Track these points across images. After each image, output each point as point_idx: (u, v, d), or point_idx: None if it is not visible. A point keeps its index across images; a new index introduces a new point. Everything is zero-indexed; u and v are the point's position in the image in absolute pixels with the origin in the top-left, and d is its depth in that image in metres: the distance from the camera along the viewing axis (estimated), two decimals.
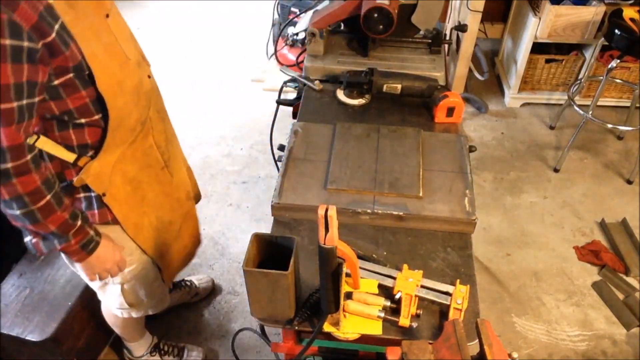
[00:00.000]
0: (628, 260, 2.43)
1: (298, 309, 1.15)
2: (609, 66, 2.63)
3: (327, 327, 1.12)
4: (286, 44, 3.24)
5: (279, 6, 3.34)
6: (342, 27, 2.07)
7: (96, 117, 1.18)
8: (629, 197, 2.79)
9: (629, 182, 2.87)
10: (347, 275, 1.16)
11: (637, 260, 2.43)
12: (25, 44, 0.96)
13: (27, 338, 1.76)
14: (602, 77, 2.74)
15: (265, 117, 3.15)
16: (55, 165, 1.23)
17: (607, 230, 2.59)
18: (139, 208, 1.41)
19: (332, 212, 0.92)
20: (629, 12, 2.59)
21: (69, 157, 1.21)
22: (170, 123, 1.56)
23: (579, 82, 3.08)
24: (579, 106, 2.89)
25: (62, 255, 1.36)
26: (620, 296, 2.33)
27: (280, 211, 1.40)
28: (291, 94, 2.01)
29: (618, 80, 3.10)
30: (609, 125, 2.97)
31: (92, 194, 1.29)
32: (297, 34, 3.08)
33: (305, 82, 1.87)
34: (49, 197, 1.12)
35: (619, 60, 2.60)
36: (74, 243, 1.22)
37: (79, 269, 1.36)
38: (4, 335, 1.79)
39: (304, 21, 3.11)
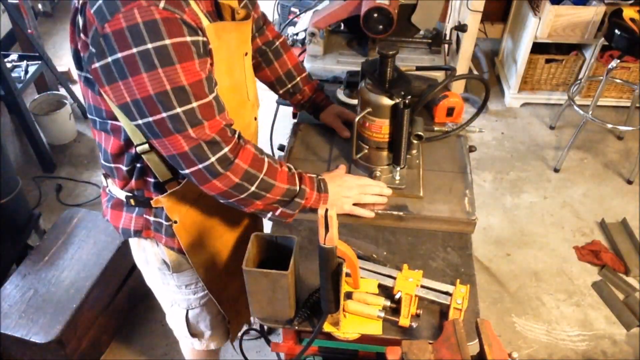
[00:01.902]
0: (628, 260, 2.43)
1: (298, 309, 1.15)
2: (609, 66, 2.63)
3: (327, 327, 1.12)
4: None
5: (279, 6, 3.33)
6: (342, 27, 2.07)
7: None
8: (629, 197, 2.79)
9: (629, 182, 2.87)
10: (347, 275, 1.16)
11: (637, 260, 2.43)
12: (201, 38, 0.96)
13: (31, 340, 1.76)
14: (602, 77, 2.74)
15: (266, 117, 3.14)
16: (138, 183, 1.19)
17: (607, 230, 2.59)
18: (210, 246, 1.34)
19: (332, 212, 0.92)
20: (629, 12, 2.59)
21: (165, 175, 1.15)
22: None
23: (579, 82, 3.09)
24: (579, 106, 2.89)
25: (168, 259, 1.31)
26: (620, 296, 2.33)
27: None
28: None
29: (618, 80, 3.10)
30: (609, 125, 2.97)
31: (163, 221, 1.23)
32: (297, 34, 3.08)
33: None
34: (266, 158, 1.11)
35: (619, 60, 2.60)
36: (309, 190, 1.19)
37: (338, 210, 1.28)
38: (8, 336, 1.79)
39: (304, 21, 3.11)
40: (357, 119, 1.34)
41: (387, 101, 1.29)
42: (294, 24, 2.99)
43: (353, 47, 2.01)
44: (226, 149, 1.03)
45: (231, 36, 1.11)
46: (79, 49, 0.98)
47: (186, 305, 1.46)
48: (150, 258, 1.35)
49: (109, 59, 0.90)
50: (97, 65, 0.92)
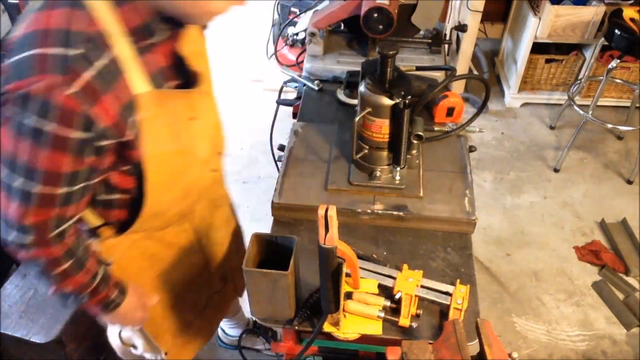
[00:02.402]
0: (628, 260, 2.43)
1: (298, 309, 1.15)
2: (609, 66, 2.63)
3: (327, 327, 1.12)
4: (286, 44, 3.24)
5: (279, 6, 3.33)
6: (342, 27, 2.07)
7: (130, 196, 1.09)
8: (629, 197, 2.79)
9: (629, 182, 2.87)
10: (347, 275, 1.16)
11: (637, 260, 2.43)
12: (96, 139, 0.89)
13: (31, 340, 1.76)
14: (602, 77, 2.74)
15: (265, 117, 3.14)
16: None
17: (607, 230, 2.59)
18: (150, 284, 1.32)
19: (332, 212, 0.92)
20: (629, 12, 2.59)
21: (96, 222, 1.13)
22: (225, 206, 1.47)
23: (579, 82, 3.08)
24: (579, 106, 2.89)
25: None
26: (620, 296, 2.33)
27: (280, 211, 1.40)
28: (291, 94, 2.01)
29: (618, 80, 3.10)
30: (609, 125, 2.97)
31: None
32: (297, 34, 3.08)
33: (305, 82, 1.87)
34: (67, 265, 1.03)
35: (619, 60, 2.60)
36: (93, 303, 1.13)
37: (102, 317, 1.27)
38: (8, 336, 1.79)
39: (304, 21, 3.11)
40: (357, 119, 1.34)
41: (387, 101, 1.29)
42: (294, 24, 2.99)
43: (353, 47, 2.01)
44: (27, 241, 0.96)
45: (176, 103, 1.03)
46: None
47: (118, 327, 1.41)
48: None
49: None
50: None
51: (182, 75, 1.05)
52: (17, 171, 0.88)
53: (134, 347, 1.52)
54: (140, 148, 0.97)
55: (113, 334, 1.48)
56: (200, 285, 1.49)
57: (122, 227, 1.15)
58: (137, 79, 0.92)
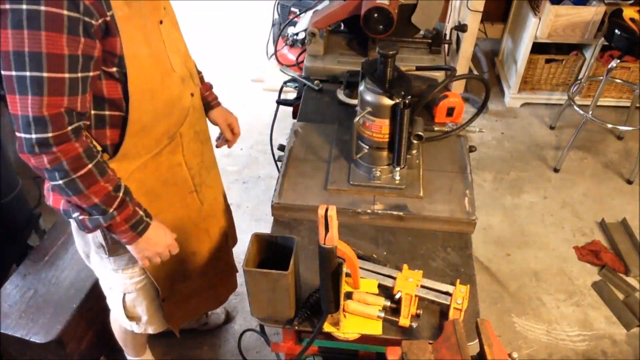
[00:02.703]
0: (628, 260, 2.43)
1: (298, 309, 1.15)
2: (609, 66, 2.63)
3: (327, 327, 1.12)
4: (286, 44, 3.24)
5: (279, 6, 3.33)
6: (342, 27, 2.07)
7: (121, 114, 1.16)
8: (629, 197, 2.79)
9: (629, 182, 2.87)
10: (347, 275, 1.16)
11: (637, 260, 2.43)
12: (83, 17, 0.96)
13: (31, 340, 1.76)
14: (602, 77, 2.74)
15: (265, 117, 3.15)
16: None
17: (607, 230, 2.59)
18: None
19: (332, 212, 0.92)
20: (629, 12, 2.59)
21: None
22: (211, 151, 1.52)
23: (579, 82, 3.08)
24: (579, 106, 2.89)
25: (104, 242, 1.32)
26: (620, 296, 2.33)
27: (280, 211, 1.40)
28: (291, 94, 2.01)
29: (618, 80, 3.10)
30: (609, 125, 2.97)
31: None
32: (297, 34, 3.08)
33: (305, 82, 1.87)
34: (90, 165, 1.08)
35: (619, 60, 2.60)
36: (120, 220, 1.16)
37: (130, 249, 1.27)
38: (8, 336, 1.79)
39: (304, 21, 3.11)
40: (357, 119, 1.34)
41: (387, 101, 1.29)
42: (294, 24, 2.99)
43: (353, 47, 2.01)
44: (49, 134, 1.02)
45: (142, 4, 1.11)
46: None
47: (122, 289, 1.46)
48: (88, 240, 1.37)
49: None
50: None
51: None
52: (24, 64, 0.95)
53: (138, 320, 1.54)
54: (119, 38, 1.05)
55: (117, 306, 1.51)
56: (200, 237, 1.51)
57: (116, 151, 1.20)
58: None
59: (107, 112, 1.15)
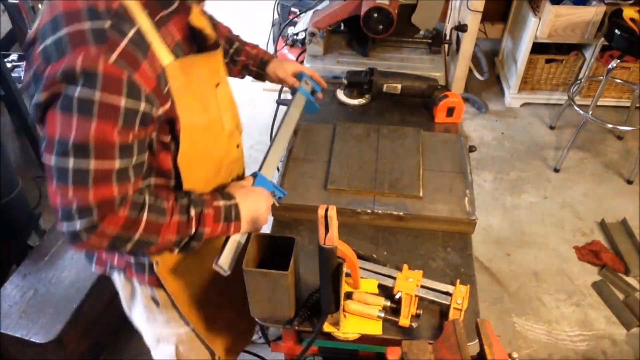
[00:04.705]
0: (628, 260, 2.43)
1: (298, 309, 1.15)
2: (609, 66, 2.63)
3: (327, 327, 1.12)
4: (286, 44, 3.24)
5: (279, 6, 3.33)
6: (342, 27, 2.07)
7: (167, 182, 1.07)
8: (629, 197, 2.79)
9: (629, 182, 2.87)
10: (347, 275, 1.16)
11: (637, 260, 2.43)
12: (142, 107, 0.88)
13: (31, 340, 1.76)
14: (602, 77, 2.74)
15: (265, 117, 3.14)
16: None
17: (607, 230, 2.59)
18: (194, 282, 1.28)
19: (332, 212, 0.92)
20: (629, 12, 2.59)
21: None
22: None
23: (579, 82, 3.08)
24: (579, 106, 2.89)
25: (157, 295, 1.25)
26: (620, 296, 2.33)
27: (280, 211, 1.40)
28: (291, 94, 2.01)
29: (618, 80, 3.10)
30: (609, 125, 2.97)
31: (145, 261, 1.17)
32: (297, 34, 3.08)
33: None
34: (145, 215, 0.96)
35: (619, 60, 2.60)
36: (212, 223, 1.06)
37: (245, 231, 1.15)
38: (8, 336, 1.79)
39: (304, 21, 3.11)
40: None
41: None
42: (294, 24, 2.99)
43: (353, 47, 2.01)
44: (95, 217, 0.90)
45: (201, 69, 1.05)
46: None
47: (176, 340, 1.38)
48: (136, 292, 1.30)
49: (40, 95, 0.86)
50: (34, 102, 0.88)
51: (199, 47, 1.07)
52: (68, 152, 0.85)
53: None
54: (177, 119, 0.97)
55: (166, 354, 1.43)
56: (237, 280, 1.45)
57: None
58: (161, 50, 0.93)
59: (152, 181, 1.07)
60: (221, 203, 1.09)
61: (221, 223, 1.08)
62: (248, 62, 1.50)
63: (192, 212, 1.03)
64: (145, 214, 0.96)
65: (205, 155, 1.11)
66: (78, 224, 0.90)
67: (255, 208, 1.14)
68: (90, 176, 0.87)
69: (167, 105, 0.95)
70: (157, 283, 1.21)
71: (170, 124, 0.99)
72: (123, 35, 0.86)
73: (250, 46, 1.49)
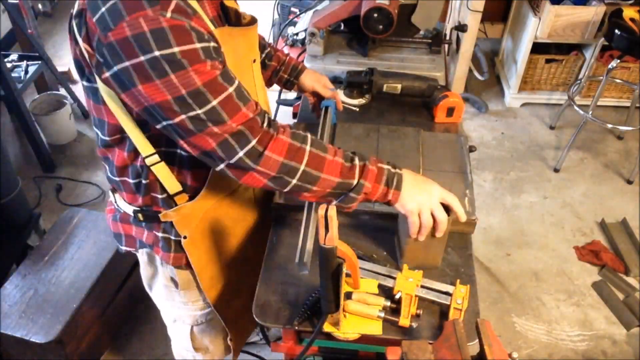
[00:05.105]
0: (628, 260, 2.43)
1: (298, 309, 1.15)
2: (609, 66, 2.63)
3: (327, 327, 1.12)
4: (286, 44, 3.24)
5: (279, 6, 3.33)
6: (342, 27, 2.07)
7: None
8: (629, 197, 2.79)
9: (629, 182, 2.87)
10: (347, 275, 1.16)
11: (637, 260, 2.43)
12: (211, 44, 0.92)
13: (31, 340, 1.76)
14: (602, 77, 2.75)
15: None
16: (146, 199, 1.16)
17: (607, 230, 2.59)
18: (218, 262, 1.32)
19: (332, 212, 0.92)
20: (629, 12, 2.59)
21: (174, 187, 1.13)
22: None
23: (579, 82, 3.09)
24: (579, 106, 2.89)
25: (177, 276, 1.30)
26: (620, 296, 2.33)
27: (280, 211, 1.40)
28: (291, 94, 2.01)
29: (618, 80, 3.10)
30: (609, 125, 2.97)
31: (172, 237, 1.21)
32: (297, 34, 3.08)
33: None
34: (307, 147, 1.00)
35: (619, 60, 2.60)
36: (372, 187, 1.05)
37: (398, 208, 1.12)
38: (8, 336, 1.79)
39: (304, 21, 3.11)
40: None
41: None
42: (294, 24, 2.99)
43: (353, 47, 2.00)
44: (254, 141, 0.96)
45: (238, 42, 1.08)
46: (78, 57, 0.96)
47: (191, 321, 1.43)
48: (158, 273, 1.33)
49: (116, 68, 0.89)
50: (107, 75, 0.91)
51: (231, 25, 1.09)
52: (191, 105, 0.91)
53: (204, 351, 1.52)
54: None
55: (183, 338, 1.47)
56: (250, 271, 1.43)
57: (196, 193, 1.15)
58: (204, 17, 0.95)
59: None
60: (385, 166, 1.09)
61: (381, 185, 1.07)
62: (280, 68, 1.51)
63: (356, 161, 1.05)
64: (308, 145, 1.01)
65: None
66: (241, 153, 0.96)
67: (422, 189, 1.11)
68: (221, 110, 0.93)
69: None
70: (179, 263, 1.24)
71: None
72: None
73: (282, 53, 1.51)
